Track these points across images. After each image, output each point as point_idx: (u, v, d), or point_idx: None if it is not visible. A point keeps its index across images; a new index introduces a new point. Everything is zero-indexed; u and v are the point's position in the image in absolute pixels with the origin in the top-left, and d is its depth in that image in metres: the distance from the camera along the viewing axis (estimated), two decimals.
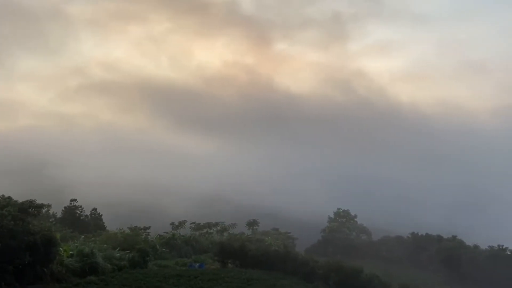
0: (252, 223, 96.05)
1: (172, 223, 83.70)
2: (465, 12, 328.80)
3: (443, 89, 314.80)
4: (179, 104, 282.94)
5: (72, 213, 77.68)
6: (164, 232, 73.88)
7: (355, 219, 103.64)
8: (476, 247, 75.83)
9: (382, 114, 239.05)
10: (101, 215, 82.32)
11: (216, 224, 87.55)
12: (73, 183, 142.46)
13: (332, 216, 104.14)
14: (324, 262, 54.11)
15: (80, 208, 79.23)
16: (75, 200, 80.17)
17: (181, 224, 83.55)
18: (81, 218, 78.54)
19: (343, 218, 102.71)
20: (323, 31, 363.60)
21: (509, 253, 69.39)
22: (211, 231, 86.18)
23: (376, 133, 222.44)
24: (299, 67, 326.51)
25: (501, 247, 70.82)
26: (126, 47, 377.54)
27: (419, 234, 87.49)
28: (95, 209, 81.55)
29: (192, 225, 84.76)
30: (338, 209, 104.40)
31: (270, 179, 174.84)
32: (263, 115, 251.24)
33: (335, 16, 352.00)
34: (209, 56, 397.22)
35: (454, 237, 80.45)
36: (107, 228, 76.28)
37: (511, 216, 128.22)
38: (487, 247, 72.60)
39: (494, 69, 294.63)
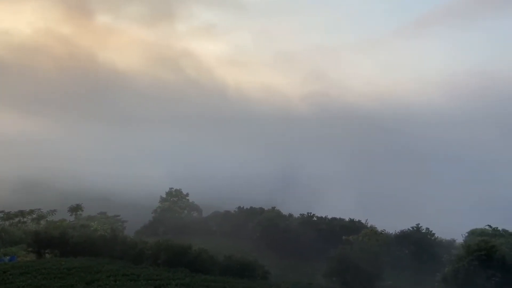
0: (75, 208, 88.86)
1: None
2: (281, 6, 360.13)
3: (264, 75, 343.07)
4: None
5: None
6: None
7: (187, 198, 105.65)
8: (290, 215, 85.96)
9: (211, 96, 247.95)
10: None
11: (32, 212, 78.17)
12: None
13: (164, 196, 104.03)
14: (153, 242, 53.90)
15: None
16: None
17: None
18: None
19: (175, 197, 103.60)
20: (149, 8, 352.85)
21: (315, 219, 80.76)
22: (25, 220, 76.64)
23: (206, 113, 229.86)
24: (125, 43, 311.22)
25: (309, 214, 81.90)
26: None
27: (245, 208, 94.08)
28: None
29: (1, 214, 73.91)
30: (171, 188, 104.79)
31: (98, 160, 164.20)
32: (86, 91, 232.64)
33: None
34: (15, 21, 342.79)
35: (273, 208, 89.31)
36: None
37: (317, 188, 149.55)
38: (299, 215, 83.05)
39: (302, 60, 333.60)
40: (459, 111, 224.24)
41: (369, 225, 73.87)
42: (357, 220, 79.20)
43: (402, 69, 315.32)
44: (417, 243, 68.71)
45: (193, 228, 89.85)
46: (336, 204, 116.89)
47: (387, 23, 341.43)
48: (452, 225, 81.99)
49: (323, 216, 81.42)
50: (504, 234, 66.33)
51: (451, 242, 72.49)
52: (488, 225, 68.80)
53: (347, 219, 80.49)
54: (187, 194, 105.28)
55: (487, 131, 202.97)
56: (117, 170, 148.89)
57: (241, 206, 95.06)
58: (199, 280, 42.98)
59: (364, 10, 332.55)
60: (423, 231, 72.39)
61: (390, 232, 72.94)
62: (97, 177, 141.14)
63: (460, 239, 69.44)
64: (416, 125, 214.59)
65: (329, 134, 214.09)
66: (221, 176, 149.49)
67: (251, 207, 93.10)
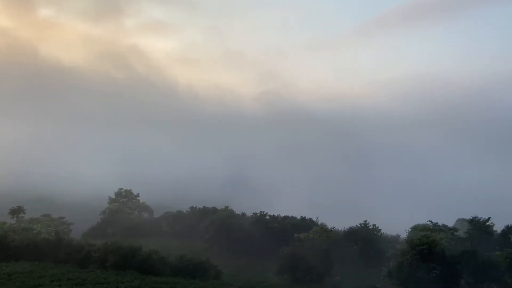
0: (16, 211, 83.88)
1: None
2: (232, 6, 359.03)
3: (216, 74, 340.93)
4: None
5: None
6: None
7: (138, 198, 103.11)
8: (243, 215, 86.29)
9: (161, 93, 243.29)
10: None
11: None
12: None
13: (113, 196, 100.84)
14: (101, 244, 52.09)
15: None
16: None
17: None
18: None
19: (125, 197, 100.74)
20: (95, 2, 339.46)
21: (268, 218, 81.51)
22: None
23: (157, 111, 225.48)
24: (70, 38, 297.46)
25: (262, 213, 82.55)
26: None
27: (197, 207, 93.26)
28: None
29: None
30: (120, 189, 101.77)
31: (40, 160, 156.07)
32: (27, 87, 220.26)
33: None
34: None
35: (226, 207, 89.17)
36: None
37: (269, 186, 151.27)
38: (252, 214, 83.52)
39: (253, 60, 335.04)
40: (404, 113, 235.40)
41: (319, 222, 75.65)
42: (308, 218, 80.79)
43: (353, 72, 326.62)
44: (365, 239, 71.30)
45: (144, 229, 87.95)
46: (288, 203, 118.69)
47: (340, 26, 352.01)
48: (397, 221, 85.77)
49: (276, 215, 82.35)
50: (443, 229, 70.45)
51: (396, 238, 75.82)
52: (429, 221, 72.75)
53: (299, 217, 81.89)
54: (138, 195, 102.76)
55: (430, 132, 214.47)
56: (62, 170, 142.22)
57: (194, 206, 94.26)
58: (149, 282, 42.13)
59: (317, 14, 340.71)
60: (370, 227, 75.29)
61: (340, 229, 75.18)
62: (39, 177, 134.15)
63: (404, 235, 72.93)
64: (364, 126, 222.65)
65: (281, 134, 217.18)
66: (173, 175, 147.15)
67: (203, 207, 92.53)
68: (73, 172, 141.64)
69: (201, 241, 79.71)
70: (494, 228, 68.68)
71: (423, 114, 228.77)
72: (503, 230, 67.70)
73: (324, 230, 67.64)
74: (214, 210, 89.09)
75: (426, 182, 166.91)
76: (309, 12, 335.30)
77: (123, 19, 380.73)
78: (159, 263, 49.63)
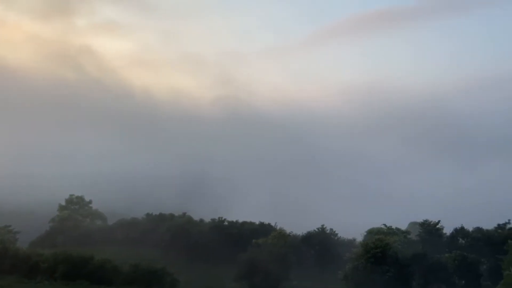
0: None
1: None
2: (189, 8, 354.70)
3: (172, 77, 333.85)
4: None
5: None
6: None
7: (90, 205, 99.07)
8: (201, 221, 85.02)
9: (115, 96, 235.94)
10: None
11: None
12: None
13: (63, 203, 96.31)
14: (50, 254, 49.49)
15: None
16: None
17: None
18: None
19: (76, 205, 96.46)
20: (43, 0, 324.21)
21: (226, 223, 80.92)
22: None
23: (110, 114, 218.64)
24: (17, 37, 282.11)
25: (220, 219, 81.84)
26: None
27: (154, 214, 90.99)
28: None
29: None
30: (71, 195, 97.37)
31: None
32: None
33: None
34: None
35: (184, 214, 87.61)
36: None
37: (228, 192, 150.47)
38: (210, 220, 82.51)
39: (210, 64, 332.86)
40: (359, 118, 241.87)
41: (278, 227, 75.92)
42: (267, 223, 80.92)
43: (308, 77, 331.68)
44: (322, 243, 72.29)
45: (96, 238, 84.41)
46: (248, 208, 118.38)
47: (296, 32, 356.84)
48: (353, 225, 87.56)
49: (234, 221, 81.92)
50: (397, 232, 72.80)
51: (352, 241, 77.42)
52: (384, 224, 74.94)
53: (257, 222, 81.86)
54: (90, 201, 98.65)
55: (384, 137, 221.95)
56: (7, 176, 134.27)
57: (150, 213, 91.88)
58: None
59: (274, 19, 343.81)
60: (328, 231, 76.46)
61: (298, 234, 75.79)
62: None
63: (360, 238, 74.60)
64: (319, 131, 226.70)
65: (239, 138, 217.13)
66: (129, 181, 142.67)
67: (160, 213, 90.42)
68: (20, 177, 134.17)
69: (158, 249, 77.70)
70: (444, 231, 71.66)
71: (376, 119, 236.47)
72: (452, 232, 70.77)
73: (282, 235, 67.86)
74: (171, 216, 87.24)
75: (381, 186, 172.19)
76: (267, 18, 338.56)
77: (75, 19, 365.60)
78: (112, 273, 47.80)
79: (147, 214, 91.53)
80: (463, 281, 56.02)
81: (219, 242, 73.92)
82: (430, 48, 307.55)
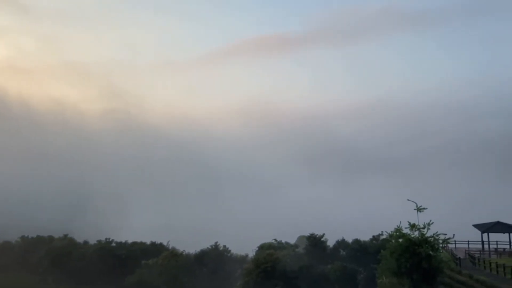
0: None
1: None
2: (71, 15, 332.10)
3: (54, 87, 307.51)
4: None
5: None
6: None
7: None
8: (86, 243, 78.90)
9: None
10: None
11: None
12: None
13: None
14: None
15: None
16: None
17: None
18: None
19: None
20: None
21: (114, 244, 76.10)
22: None
23: None
24: None
25: (108, 240, 76.79)
26: None
27: (30, 237, 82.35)
28: None
29: None
30: None
31: None
32: None
33: None
34: None
35: (65, 236, 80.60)
36: None
37: (114, 210, 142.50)
38: (96, 242, 76.90)
39: (98, 75, 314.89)
40: (252, 137, 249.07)
41: (170, 247, 73.78)
42: (158, 243, 78.25)
43: (205, 94, 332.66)
44: (215, 261, 72.01)
45: None
46: (139, 228, 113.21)
47: (195, 49, 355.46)
48: (246, 241, 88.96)
49: (123, 241, 77.65)
50: (286, 246, 75.83)
51: (245, 257, 78.43)
52: (274, 239, 77.50)
53: (149, 242, 78.72)
54: None
55: (275, 156, 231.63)
56: None
57: (25, 235, 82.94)
58: None
59: (172, 33, 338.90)
60: (221, 248, 76.45)
61: (191, 252, 74.51)
62: None
63: (252, 254, 75.97)
64: (214, 150, 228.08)
65: (130, 153, 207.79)
66: (1, 200, 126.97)
67: (37, 236, 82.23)
68: None
69: (35, 274, 70.48)
70: (328, 243, 76.46)
71: (269, 139, 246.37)
72: (334, 244, 75.84)
73: (173, 254, 66.18)
74: (51, 239, 79.81)
75: (272, 202, 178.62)
76: (162, 32, 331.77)
77: None
78: None
79: (22, 237, 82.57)
80: None
81: (105, 265, 69.30)
82: (323, 73, 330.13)
